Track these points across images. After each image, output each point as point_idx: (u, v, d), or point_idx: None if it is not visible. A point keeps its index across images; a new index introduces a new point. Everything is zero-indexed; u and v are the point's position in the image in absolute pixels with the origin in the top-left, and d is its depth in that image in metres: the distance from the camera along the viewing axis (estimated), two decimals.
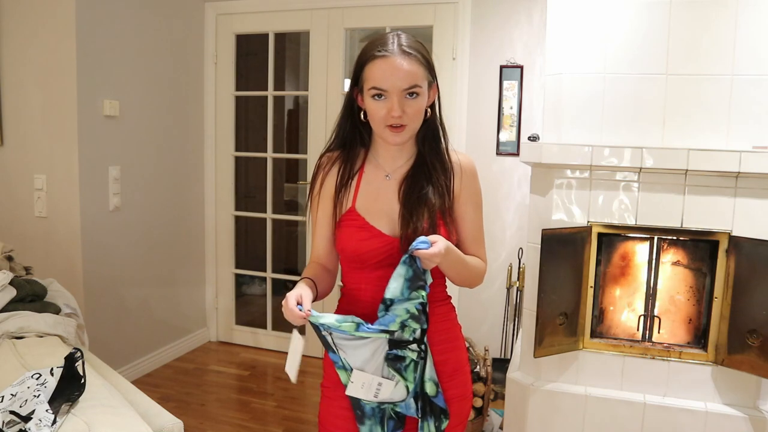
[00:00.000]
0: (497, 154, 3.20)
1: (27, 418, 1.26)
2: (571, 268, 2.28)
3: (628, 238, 2.32)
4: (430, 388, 1.29)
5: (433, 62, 1.31)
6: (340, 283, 1.44)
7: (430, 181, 1.34)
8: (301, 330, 1.26)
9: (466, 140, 3.23)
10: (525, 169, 2.94)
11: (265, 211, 3.81)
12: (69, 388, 1.39)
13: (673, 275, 2.32)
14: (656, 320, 2.31)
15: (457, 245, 1.34)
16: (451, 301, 1.44)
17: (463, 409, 1.40)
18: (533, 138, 2.43)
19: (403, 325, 1.21)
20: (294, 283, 3.59)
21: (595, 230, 2.28)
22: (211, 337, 3.94)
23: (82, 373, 1.43)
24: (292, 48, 4.78)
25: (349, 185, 1.36)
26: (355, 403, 1.29)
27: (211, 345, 3.88)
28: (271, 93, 3.72)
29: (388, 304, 1.22)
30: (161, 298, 3.48)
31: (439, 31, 3.24)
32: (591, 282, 2.30)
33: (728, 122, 2.16)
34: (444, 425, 1.32)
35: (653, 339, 2.31)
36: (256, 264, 4.04)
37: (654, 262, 2.29)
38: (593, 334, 2.36)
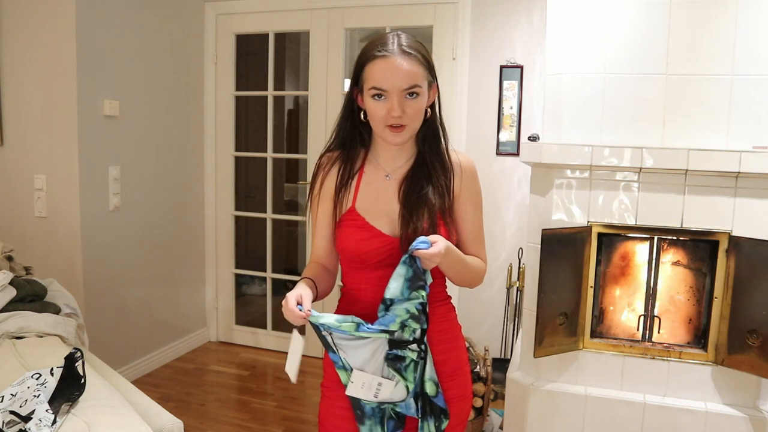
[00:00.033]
0: (497, 154, 3.20)
1: (27, 418, 1.26)
2: (571, 268, 2.28)
3: (628, 238, 2.32)
4: (430, 388, 1.29)
5: (433, 62, 1.31)
6: (340, 283, 1.44)
7: (430, 181, 1.34)
8: (301, 330, 1.26)
9: (466, 140, 3.23)
10: (525, 169, 2.94)
11: (265, 211, 3.81)
12: (69, 388, 1.39)
13: (673, 275, 2.32)
14: (656, 320, 2.31)
15: (457, 245, 1.34)
16: (451, 301, 1.44)
17: (463, 409, 1.40)
18: (533, 138, 2.43)
19: (403, 325, 1.21)
20: (294, 283, 3.59)
21: (595, 230, 2.28)
22: (211, 337, 3.94)
23: (82, 373, 1.43)
24: (292, 48, 4.78)
25: (349, 185, 1.36)
26: (355, 403, 1.29)
27: (211, 345, 3.88)
28: (271, 93, 3.72)
29: (388, 304, 1.22)
30: (161, 298, 3.49)
31: (439, 31, 3.24)
32: (591, 282, 2.30)
33: (728, 122, 2.16)
34: (444, 425, 1.32)
35: (653, 339, 2.31)
36: (256, 264, 4.04)
37: (654, 262, 2.29)
38: (593, 334, 2.36)
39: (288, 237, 4.89)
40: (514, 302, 3.18)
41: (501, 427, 2.67)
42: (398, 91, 1.23)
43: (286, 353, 1.25)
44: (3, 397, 1.34)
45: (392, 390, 1.24)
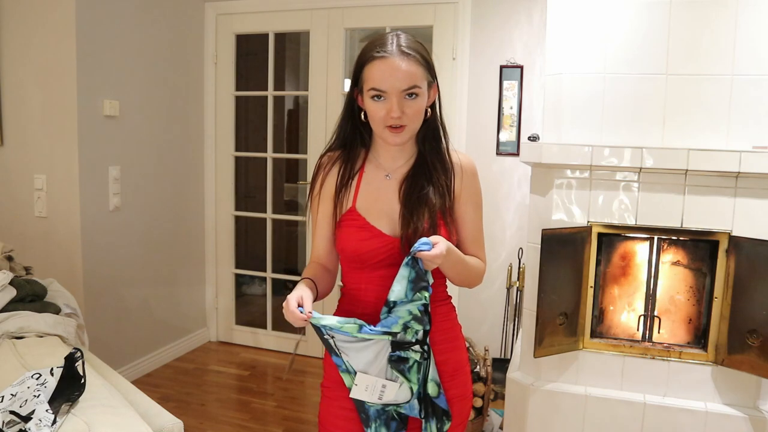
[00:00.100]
0: (497, 154, 3.20)
1: (27, 418, 1.26)
2: (571, 268, 2.28)
3: (628, 238, 2.32)
4: (432, 389, 1.29)
5: (433, 62, 1.31)
6: (340, 284, 1.44)
7: (431, 181, 1.34)
8: (302, 331, 1.26)
9: (466, 140, 3.23)
10: (525, 169, 2.94)
11: (265, 211, 3.81)
12: (69, 388, 1.39)
13: (673, 275, 2.32)
14: (656, 320, 2.31)
15: (457, 245, 1.34)
16: (451, 301, 1.44)
17: (463, 409, 1.40)
18: (533, 138, 2.43)
19: (405, 327, 1.21)
20: (294, 283, 3.60)
21: (595, 230, 2.28)
22: (211, 337, 3.94)
23: (82, 373, 1.43)
24: (292, 48, 4.77)
25: (349, 185, 1.36)
26: (360, 406, 1.28)
27: (211, 345, 3.88)
28: (271, 93, 3.72)
29: (391, 306, 1.22)
30: (161, 298, 3.48)
31: (439, 31, 3.24)
32: (591, 282, 2.30)
33: (728, 122, 2.16)
34: (446, 427, 1.31)
35: (653, 339, 2.31)
36: (256, 264, 4.04)
37: (654, 262, 2.29)
38: (593, 334, 2.36)
39: (288, 237, 4.89)
40: (514, 302, 3.18)
41: (501, 427, 2.67)
42: (397, 92, 1.23)
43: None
44: (3, 397, 1.34)
45: (396, 392, 1.24)
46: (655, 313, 2.31)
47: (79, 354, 1.45)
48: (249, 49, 4.18)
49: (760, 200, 2.11)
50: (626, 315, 2.38)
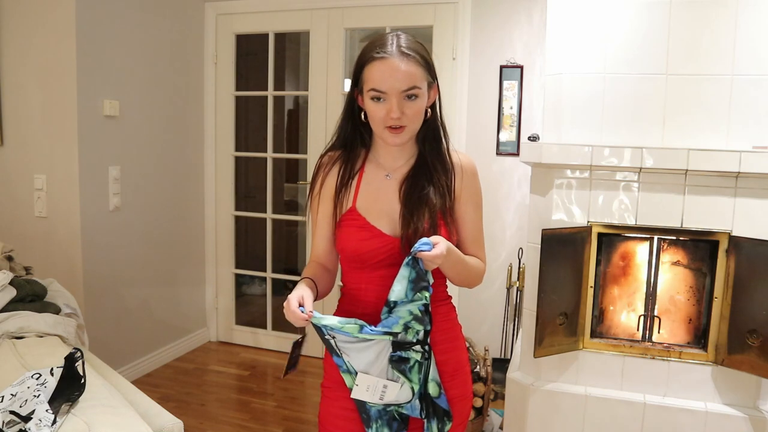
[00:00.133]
0: (497, 154, 3.20)
1: (27, 418, 1.26)
2: (571, 268, 2.28)
3: (628, 238, 2.32)
4: (432, 389, 1.29)
5: (433, 63, 1.31)
6: (340, 283, 1.44)
7: (431, 182, 1.34)
8: (303, 330, 1.26)
9: (466, 140, 3.23)
10: (525, 169, 2.94)
11: (265, 211, 3.81)
12: (69, 388, 1.39)
13: (673, 275, 2.32)
14: (656, 320, 2.31)
15: (457, 245, 1.34)
16: (451, 301, 1.44)
17: (463, 409, 1.40)
18: (533, 138, 2.43)
19: (406, 327, 1.21)
20: (294, 283, 3.59)
21: (595, 230, 2.28)
22: (211, 337, 3.94)
23: (82, 373, 1.43)
24: (292, 48, 4.78)
25: (349, 185, 1.36)
26: (361, 407, 1.28)
27: (211, 345, 3.88)
28: (271, 93, 3.72)
29: (392, 306, 1.22)
30: (161, 298, 3.49)
31: (439, 31, 3.24)
32: (591, 282, 2.30)
33: (728, 122, 2.16)
34: (447, 427, 1.31)
35: (653, 339, 2.31)
36: (256, 264, 4.04)
37: (654, 262, 2.29)
38: (593, 334, 2.36)
39: (288, 237, 4.89)
40: (514, 302, 3.18)
41: (501, 427, 2.67)
42: (397, 93, 1.23)
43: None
44: (3, 397, 1.34)
45: (398, 392, 1.24)
46: (655, 313, 2.31)
47: (79, 354, 1.45)
48: (249, 49, 4.17)
49: (760, 200, 2.11)
50: (626, 315, 2.38)
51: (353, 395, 1.24)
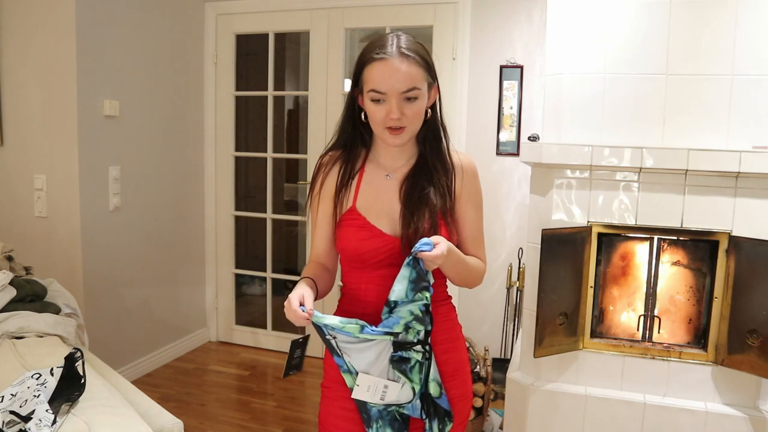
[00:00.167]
0: (497, 154, 3.20)
1: (27, 418, 1.26)
2: (571, 268, 2.28)
3: (628, 238, 2.32)
4: (433, 389, 1.29)
5: (433, 63, 1.31)
6: (340, 283, 1.44)
7: (432, 182, 1.34)
8: (303, 330, 1.26)
9: (466, 140, 3.23)
10: (525, 169, 2.94)
11: (265, 211, 3.81)
12: (69, 388, 1.39)
13: (673, 275, 2.32)
14: (656, 320, 2.31)
15: (458, 245, 1.34)
16: (452, 301, 1.44)
17: (463, 409, 1.40)
18: (533, 138, 2.43)
19: (407, 327, 1.21)
20: (294, 283, 3.59)
21: (595, 230, 2.28)
22: (211, 337, 3.94)
23: (82, 373, 1.43)
24: (292, 48, 4.78)
25: (349, 185, 1.36)
26: (361, 407, 1.28)
27: (211, 345, 3.88)
28: (271, 93, 3.72)
29: (392, 306, 1.22)
30: (161, 298, 3.48)
31: (439, 31, 3.24)
32: (591, 282, 2.30)
33: (728, 122, 2.16)
34: (448, 428, 1.31)
35: (653, 339, 2.31)
36: (256, 264, 4.04)
37: (654, 262, 2.29)
38: (593, 334, 2.36)
39: (288, 237, 4.89)
40: (514, 302, 3.18)
41: (501, 427, 2.67)
42: (396, 94, 1.23)
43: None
44: (3, 397, 1.34)
45: (399, 392, 1.24)
46: (655, 313, 2.31)
47: (79, 354, 1.45)
48: (249, 49, 4.18)
49: (760, 200, 2.11)
50: (626, 315, 2.38)
51: (354, 395, 1.24)
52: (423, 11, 3.25)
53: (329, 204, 1.38)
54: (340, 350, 1.22)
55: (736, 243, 2.13)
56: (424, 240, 1.19)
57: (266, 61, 3.66)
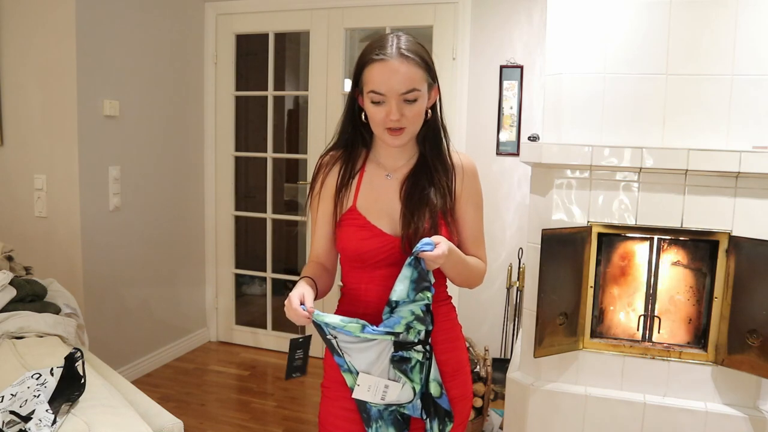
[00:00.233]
0: (497, 154, 3.20)
1: (27, 418, 1.26)
2: (571, 268, 2.28)
3: (628, 238, 2.32)
4: (434, 389, 1.29)
5: (433, 64, 1.31)
6: (340, 283, 1.44)
7: (432, 182, 1.34)
8: (304, 329, 1.26)
9: (466, 140, 3.23)
10: (525, 169, 2.94)
11: (265, 211, 3.81)
12: (69, 388, 1.39)
13: (673, 275, 2.32)
14: (656, 320, 2.31)
15: (458, 245, 1.34)
16: (452, 301, 1.44)
17: (463, 409, 1.40)
18: (533, 138, 2.43)
19: (408, 327, 1.21)
20: (294, 283, 3.59)
21: (595, 230, 2.28)
22: (211, 337, 3.94)
23: (82, 373, 1.43)
24: (292, 48, 4.78)
25: (350, 184, 1.36)
26: (362, 406, 1.28)
27: (211, 345, 3.88)
28: (271, 93, 3.72)
29: (393, 306, 1.22)
30: (161, 298, 3.48)
31: (439, 31, 3.24)
32: (591, 282, 2.30)
33: (728, 122, 2.16)
34: (448, 428, 1.31)
35: (653, 339, 2.31)
36: (256, 264, 4.04)
37: (654, 262, 2.29)
38: (593, 334, 2.36)
39: (288, 237, 4.89)
40: (514, 302, 3.18)
41: (501, 427, 2.67)
42: (396, 95, 1.23)
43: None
44: (3, 397, 1.34)
45: (399, 392, 1.24)
46: (655, 313, 2.31)
47: (79, 354, 1.45)
48: (249, 49, 4.18)
49: (760, 200, 2.11)
50: (626, 315, 2.38)
51: (354, 395, 1.24)
52: (423, 11, 3.25)
53: (329, 204, 1.38)
54: (340, 350, 1.22)
55: (736, 243, 2.13)
56: (425, 240, 1.19)
57: (266, 61, 3.66)
